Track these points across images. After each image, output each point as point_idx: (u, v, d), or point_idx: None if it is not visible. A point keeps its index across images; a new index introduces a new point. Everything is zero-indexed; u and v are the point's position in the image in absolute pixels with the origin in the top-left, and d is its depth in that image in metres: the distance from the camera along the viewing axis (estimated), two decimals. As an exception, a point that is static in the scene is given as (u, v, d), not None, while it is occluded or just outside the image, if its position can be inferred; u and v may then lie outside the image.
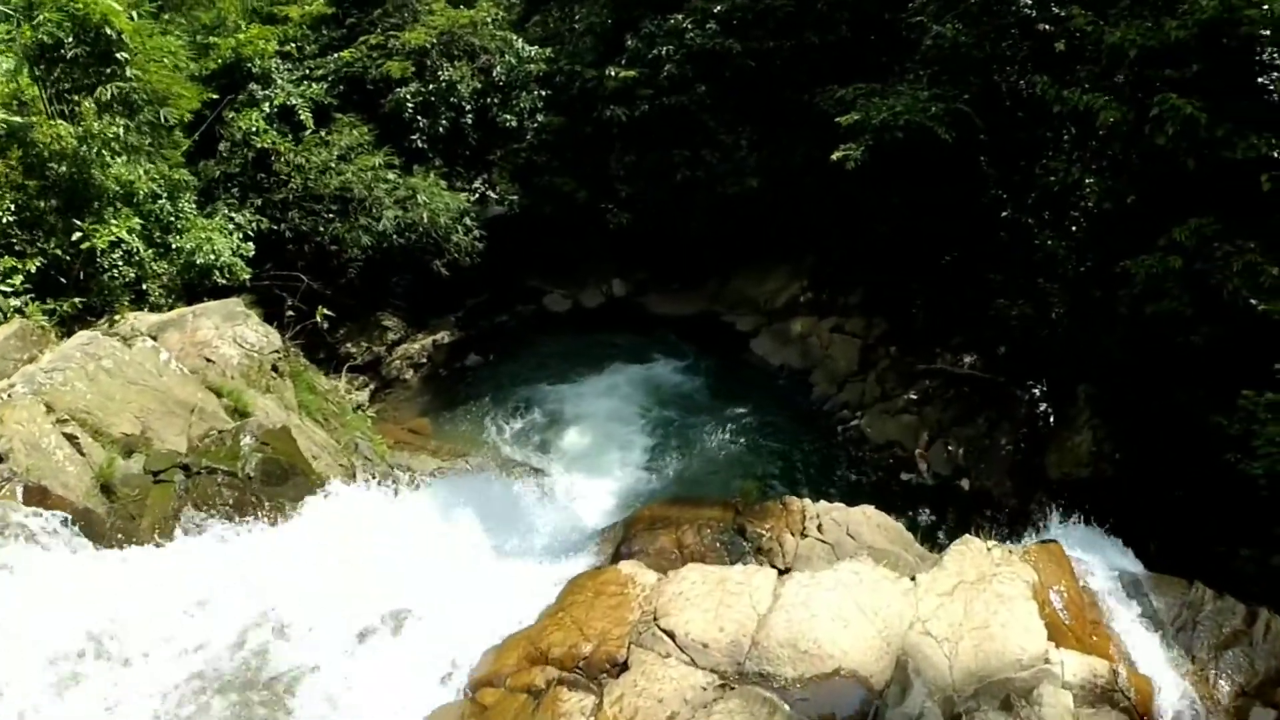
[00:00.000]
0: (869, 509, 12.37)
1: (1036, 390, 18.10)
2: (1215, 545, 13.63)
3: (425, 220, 19.56)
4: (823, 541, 11.52)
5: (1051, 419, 17.58)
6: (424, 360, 21.78)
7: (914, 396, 19.34)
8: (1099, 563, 11.29)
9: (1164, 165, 14.03)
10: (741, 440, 19.12)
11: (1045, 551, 10.79)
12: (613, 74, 21.03)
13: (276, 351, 14.60)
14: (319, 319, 16.91)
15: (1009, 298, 17.64)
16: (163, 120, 16.02)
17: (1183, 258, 13.53)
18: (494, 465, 17.47)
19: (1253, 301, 12.96)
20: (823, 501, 12.51)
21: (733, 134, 20.99)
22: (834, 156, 17.89)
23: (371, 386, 20.72)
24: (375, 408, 20.10)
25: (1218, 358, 13.84)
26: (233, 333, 13.94)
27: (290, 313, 17.28)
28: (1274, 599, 11.88)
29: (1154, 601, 10.55)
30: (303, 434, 13.25)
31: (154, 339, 12.74)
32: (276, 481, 11.51)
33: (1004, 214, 18.12)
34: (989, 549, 10.58)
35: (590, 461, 18.54)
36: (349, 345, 20.99)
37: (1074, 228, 16.74)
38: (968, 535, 10.90)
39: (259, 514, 10.87)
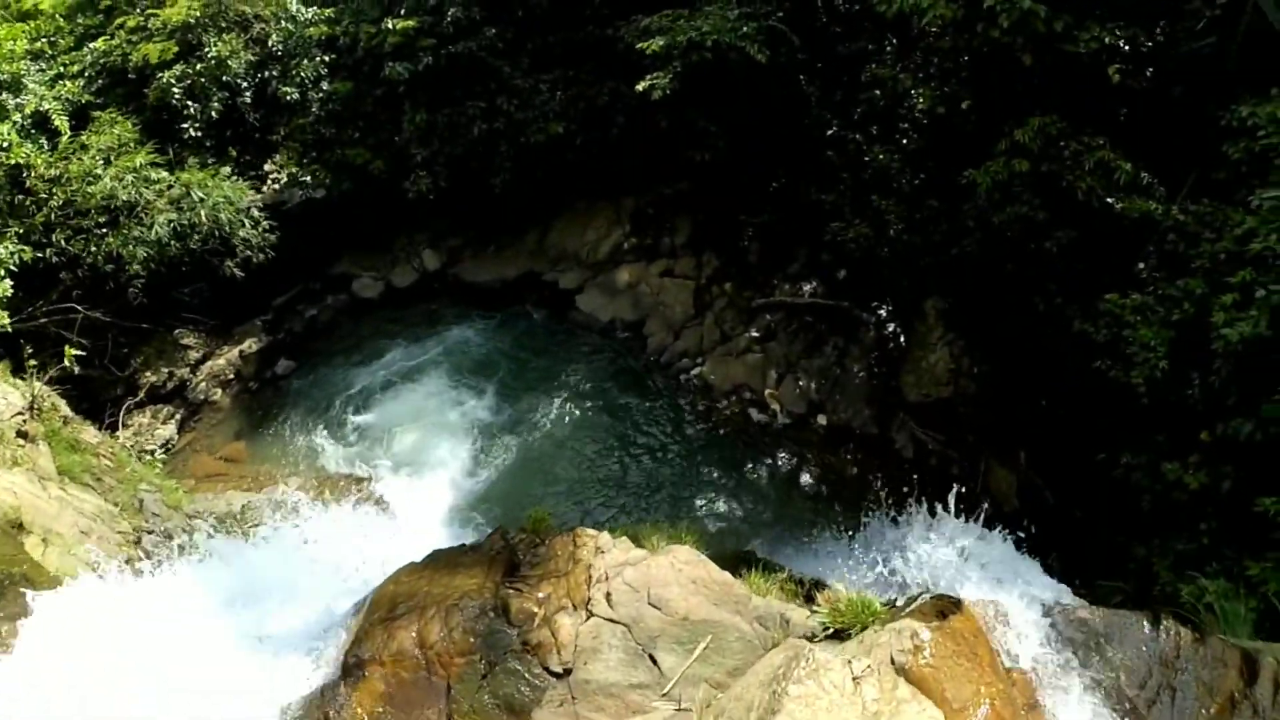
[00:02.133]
0: (680, 553, 8.98)
1: (883, 311, 17.64)
2: (1094, 454, 13.33)
3: (205, 219, 17.14)
4: (614, 622, 8.21)
5: (902, 339, 17.12)
6: (232, 376, 19.31)
7: (756, 334, 18.45)
8: (1019, 609, 7.78)
9: (999, 64, 13.39)
10: (575, 410, 17.80)
11: (950, 638, 6.97)
12: (391, 26, 18.96)
13: (20, 414, 12.19)
14: (68, 361, 14.45)
15: (843, 220, 16.91)
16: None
17: (1029, 161, 12.96)
18: (313, 484, 15.64)
19: (1109, 200, 12.53)
20: (621, 541, 9.32)
21: (531, 78, 19.33)
22: (639, 87, 16.62)
23: (179, 415, 18.19)
24: (186, 438, 17.92)
25: (1076, 262, 13.42)
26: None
27: (76, 353, 14.76)
28: (1172, 518, 11.73)
29: (1111, 655, 7.39)
30: (67, 507, 11.06)
31: None
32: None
33: (830, 132, 17.35)
34: (849, 666, 6.50)
35: (416, 460, 16.94)
36: (148, 374, 18.27)
37: (905, 140, 16.09)
38: (812, 652, 6.62)
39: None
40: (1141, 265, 12.58)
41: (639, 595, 8.35)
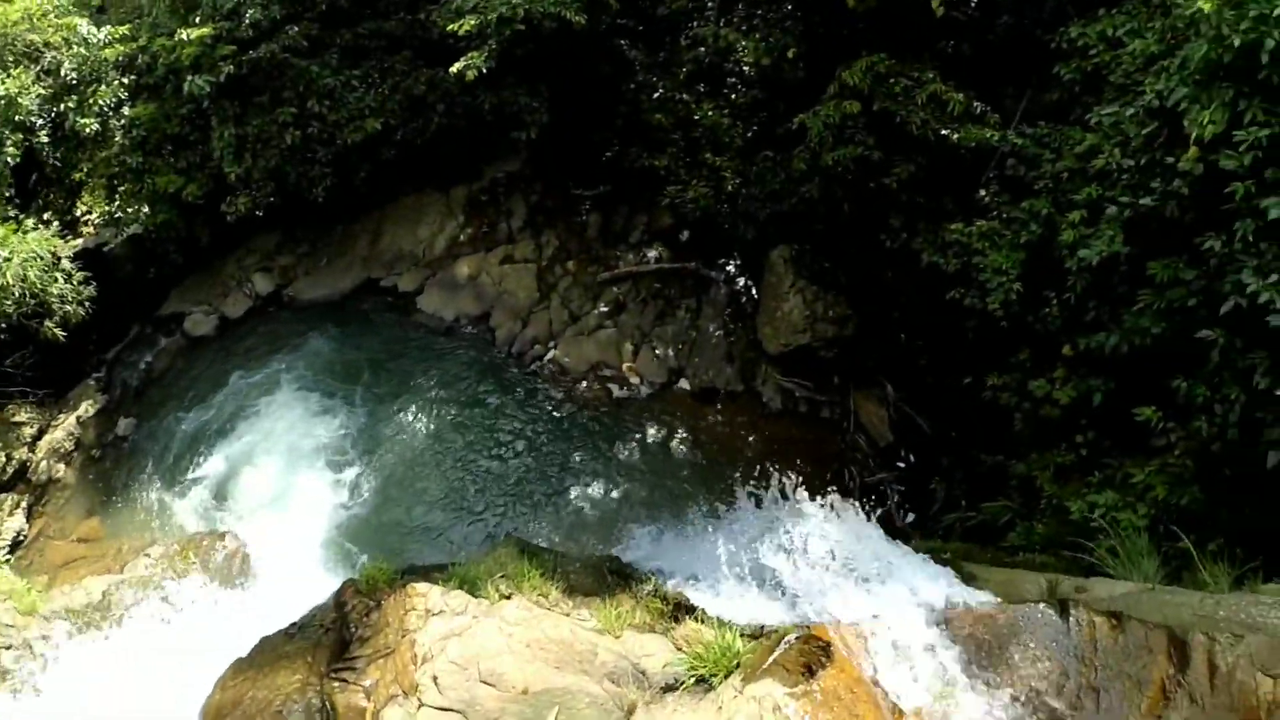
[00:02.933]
0: (509, 612, 7.85)
1: (731, 267, 17.66)
2: (961, 379, 13.70)
3: (12, 281, 15.47)
4: (446, 710, 6.94)
5: (754, 292, 17.17)
6: (73, 447, 17.48)
7: (605, 309, 18.13)
8: (904, 623, 6.86)
9: (822, 9, 13.55)
10: (433, 417, 16.95)
11: (823, 706, 5.97)
12: (187, 36, 17.48)
13: None
14: None
15: (680, 182, 16.84)
16: None
17: (860, 101, 13.14)
18: (175, 550, 14.31)
19: (944, 132, 12.84)
20: (454, 596, 8.15)
21: (341, 75, 18.24)
22: (454, 70, 16.03)
23: (25, 502, 16.31)
24: (37, 526, 16.21)
25: (918, 196, 13.74)
26: None
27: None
28: (1048, 434, 12.09)
29: (1020, 662, 6.55)
30: None
31: None
32: None
33: (656, 95, 17.21)
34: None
35: (278, 498, 15.79)
36: None
37: (734, 95, 16.14)
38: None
39: None
40: (983, 192, 12.95)
41: (468, 673, 7.15)
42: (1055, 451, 11.81)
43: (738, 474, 15.33)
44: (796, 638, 6.34)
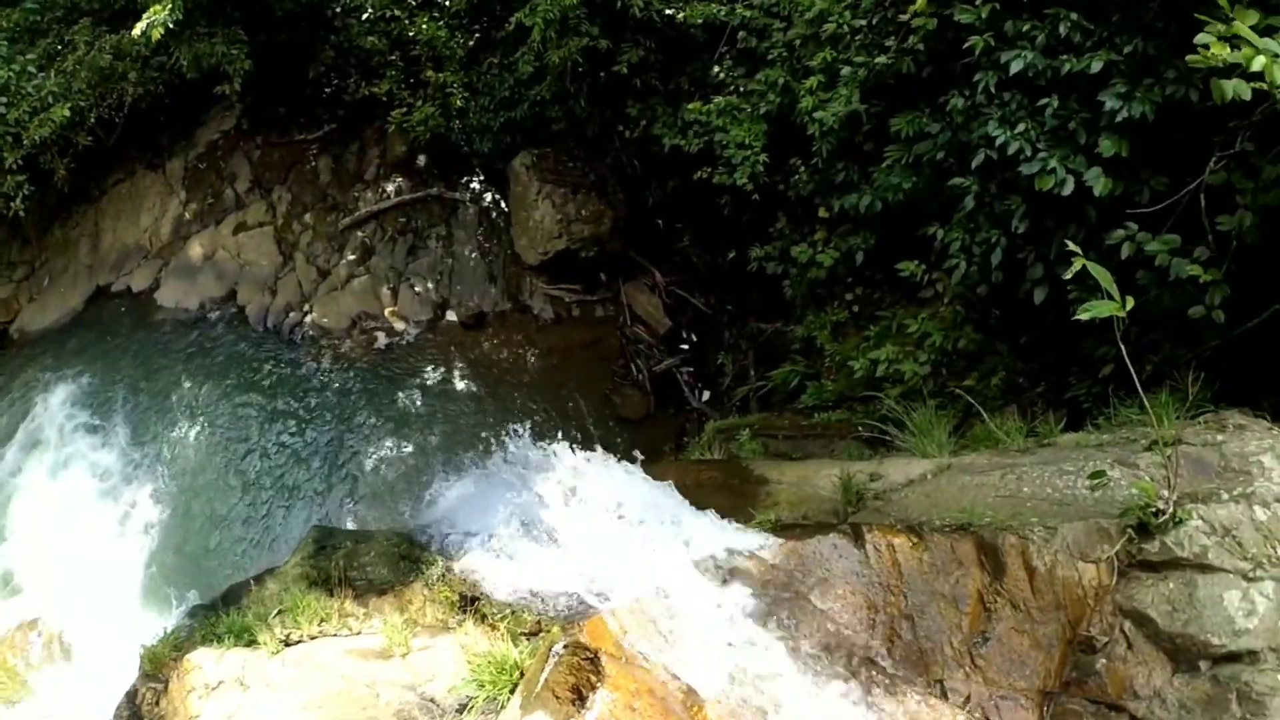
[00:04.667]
0: (278, 671, 6.93)
1: (475, 185, 16.90)
2: (725, 253, 13.97)
3: None
4: None
5: (504, 205, 16.52)
6: None
7: (353, 257, 16.91)
8: (686, 585, 6.19)
9: None
10: (206, 425, 15.32)
11: None
12: None
13: None
14: None
15: (404, 104, 15.99)
16: None
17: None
18: None
19: (669, 13, 12.73)
20: (230, 657, 7.20)
21: (15, 65, 15.64)
22: (136, 31, 14.25)
23: None
24: None
25: (652, 79, 13.66)
26: None
27: None
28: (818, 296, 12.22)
29: (822, 602, 6.00)
30: None
31: None
32: None
33: (365, 16, 16.31)
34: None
35: (69, 573, 13.37)
36: None
37: (448, 2, 15.51)
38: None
39: None
40: (718, 69, 12.92)
41: None
42: (829, 310, 12.01)
43: (524, 399, 14.79)
44: (564, 647, 5.36)
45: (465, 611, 7.55)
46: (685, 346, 15.05)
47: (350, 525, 12.93)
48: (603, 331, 15.50)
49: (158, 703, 7.33)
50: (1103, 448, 6.82)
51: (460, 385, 15.34)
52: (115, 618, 12.57)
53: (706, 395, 14.56)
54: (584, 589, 7.40)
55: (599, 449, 10.42)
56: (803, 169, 11.65)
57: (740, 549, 6.43)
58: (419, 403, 15.20)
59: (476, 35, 15.56)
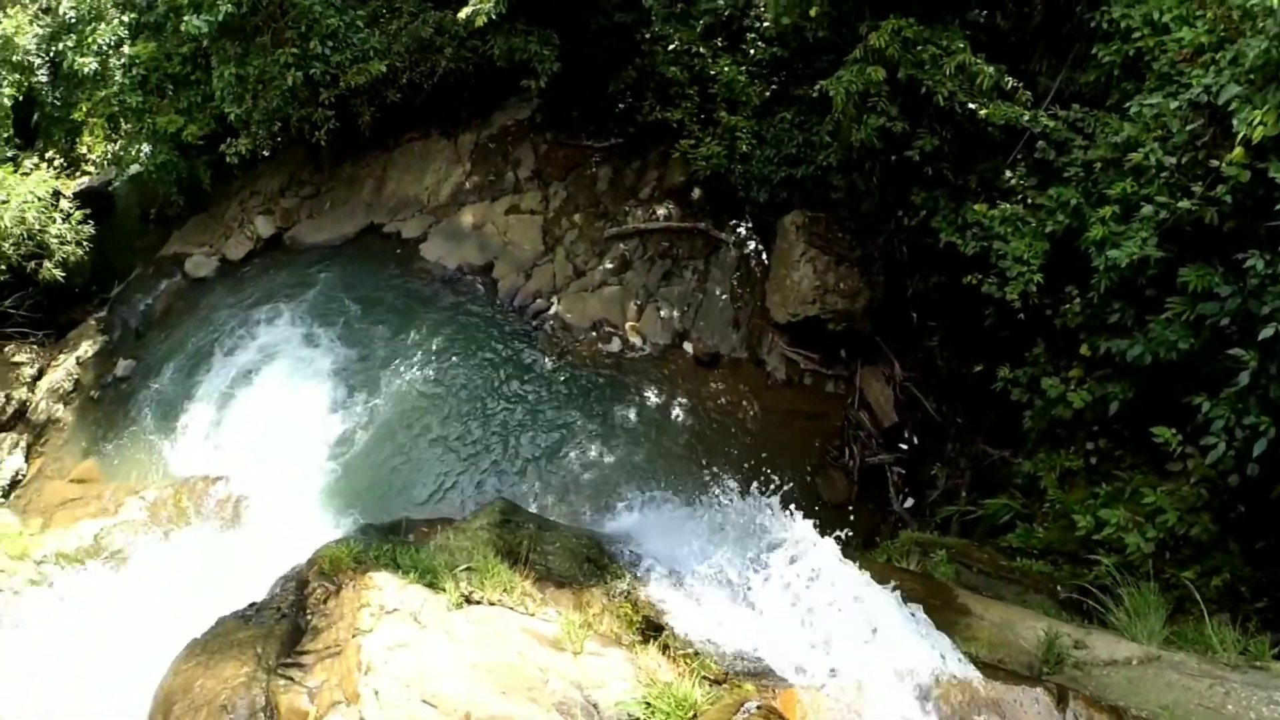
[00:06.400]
0: (460, 628, 7.30)
1: (742, 230, 17.03)
2: (971, 365, 13.23)
3: (9, 223, 15.20)
4: None
5: (764, 258, 16.57)
6: (72, 387, 17.31)
7: (610, 265, 17.62)
8: (884, 689, 6.07)
9: (850, -34, 12.80)
10: (431, 367, 16.63)
11: None
12: (182, -27, 16.87)
13: None
14: None
15: (693, 138, 16.20)
16: None
17: (885, 68, 12.43)
18: (170, 494, 14.09)
19: (972, 107, 12.11)
20: (410, 592, 7.62)
21: (345, 15, 17.47)
22: (463, 15, 15.38)
23: (24, 441, 16.42)
24: (35, 465, 16.15)
25: (941, 171, 13.08)
26: None
27: None
28: (1057, 435, 11.60)
29: None
30: None
31: None
32: None
33: (672, 47, 16.47)
34: None
35: (273, 445, 15.43)
36: None
37: (752, 51, 15.41)
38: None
39: None
40: (1010, 174, 12.25)
41: (411, 691, 6.62)
42: (1064, 454, 11.35)
43: (738, 448, 14.93)
44: (757, 707, 5.54)
45: (645, 635, 7.70)
46: (904, 446, 14.77)
47: (532, 508, 13.37)
48: (828, 407, 15.42)
49: (326, 601, 7.66)
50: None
51: (677, 415, 15.69)
52: (291, 504, 14.11)
53: (910, 502, 14.24)
54: (770, 655, 7.41)
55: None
56: (1076, 299, 11.01)
57: (943, 672, 6.32)
58: (633, 419, 15.67)
59: (774, 87, 15.55)
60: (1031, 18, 12.56)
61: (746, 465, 14.52)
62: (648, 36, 16.65)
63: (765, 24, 14.81)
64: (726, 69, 15.42)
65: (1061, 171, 11.38)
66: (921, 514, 13.86)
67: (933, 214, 13.28)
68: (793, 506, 9.44)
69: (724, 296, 16.74)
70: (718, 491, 12.44)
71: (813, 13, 13.62)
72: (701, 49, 16.04)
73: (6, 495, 15.45)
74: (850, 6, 13.17)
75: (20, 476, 15.94)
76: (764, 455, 14.54)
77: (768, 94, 15.54)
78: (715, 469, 14.03)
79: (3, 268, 15.95)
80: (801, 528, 8.99)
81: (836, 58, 13.29)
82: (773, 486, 12.18)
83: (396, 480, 14.88)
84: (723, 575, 9.09)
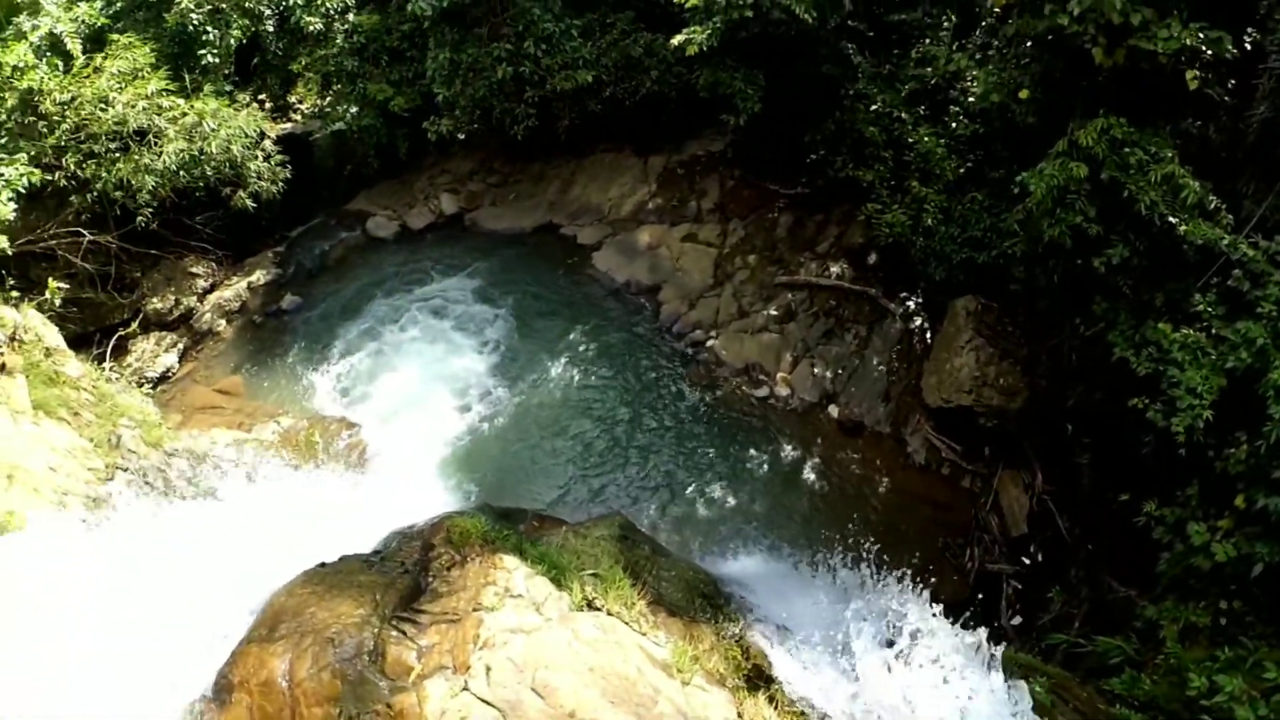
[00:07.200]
0: (584, 627, 7.41)
1: (911, 304, 16.52)
2: (1116, 493, 12.33)
3: (215, 150, 16.52)
4: (486, 704, 6.58)
5: (928, 336, 16.02)
6: (237, 308, 18.87)
7: (775, 313, 17.42)
8: None
9: (1066, 55, 12.15)
10: (577, 372, 16.99)
11: None
12: (420, -44, 17.98)
13: (-1, 347, 11.58)
14: (50, 294, 14.27)
15: (880, 202, 15.84)
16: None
17: (1088, 166, 11.74)
18: (303, 425, 15.02)
19: (1172, 220, 11.27)
20: (536, 583, 7.86)
21: (562, 22, 18.23)
22: (675, 42, 15.73)
23: (182, 344, 17.94)
24: (187, 368, 17.50)
25: (1127, 283, 12.25)
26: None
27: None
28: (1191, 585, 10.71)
29: None
30: (38, 442, 10.47)
31: None
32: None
33: (874, 107, 16.15)
34: None
35: (409, 408, 16.15)
36: (154, 300, 18.01)
37: (954, 124, 14.92)
38: None
39: None
40: (1198, 298, 11.31)
41: (522, 676, 6.77)
42: (1193, 607, 10.39)
43: (861, 522, 14.46)
44: None
45: (750, 683, 7.76)
46: (1027, 560, 13.91)
47: (644, 529, 13.26)
48: (959, 502, 14.73)
49: (450, 569, 7.96)
50: None
51: (807, 475, 15.36)
52: (416, 466, 14.73)
53: (1018, 620, 13.39)
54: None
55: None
56: (1243, 445, 10.08)
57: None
58: (764, 469, 15.44)
59: (969, 165, 14.98)
60: (1246, 135, 11.59)
61: (866, 541, 13.96)
62: (851, 93, 16.40)
63: (971, 99, 14.31)
64: (926, 138, 14.99)
65: (1254, 306, 10.46)
66: (1028, 634, 13.01)
67: (1111, 326, 12.42)
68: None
69: (880, 367, 16.28)
70: (834, 560, 12.18)
71: (1023, 95, 13.05)
72: (903, 114, 15.64)
73: (155, 386, 16.71)
74: (1062, 97, 12.53)
75: (171, 374, 17.30)
76: (885, 534, 14.00)
77: (962, 170, 14.99)
78: (835, 537, 13.65)
79: (201, 186, 17.17)
80: (926, 611, 8.80)
81: (1038, 145, 12.68)
82: (887, 567, 11.93)
83: (520, 469, 15.26)
84: (835, 641, 9.08)
